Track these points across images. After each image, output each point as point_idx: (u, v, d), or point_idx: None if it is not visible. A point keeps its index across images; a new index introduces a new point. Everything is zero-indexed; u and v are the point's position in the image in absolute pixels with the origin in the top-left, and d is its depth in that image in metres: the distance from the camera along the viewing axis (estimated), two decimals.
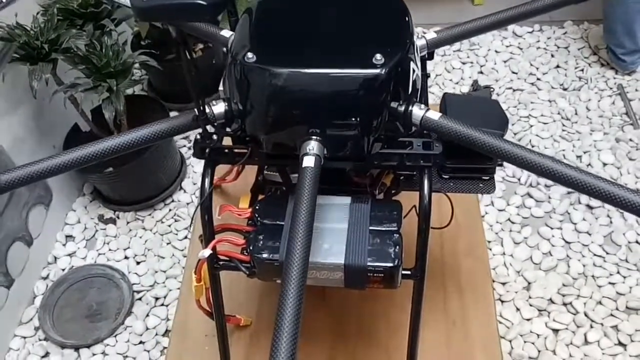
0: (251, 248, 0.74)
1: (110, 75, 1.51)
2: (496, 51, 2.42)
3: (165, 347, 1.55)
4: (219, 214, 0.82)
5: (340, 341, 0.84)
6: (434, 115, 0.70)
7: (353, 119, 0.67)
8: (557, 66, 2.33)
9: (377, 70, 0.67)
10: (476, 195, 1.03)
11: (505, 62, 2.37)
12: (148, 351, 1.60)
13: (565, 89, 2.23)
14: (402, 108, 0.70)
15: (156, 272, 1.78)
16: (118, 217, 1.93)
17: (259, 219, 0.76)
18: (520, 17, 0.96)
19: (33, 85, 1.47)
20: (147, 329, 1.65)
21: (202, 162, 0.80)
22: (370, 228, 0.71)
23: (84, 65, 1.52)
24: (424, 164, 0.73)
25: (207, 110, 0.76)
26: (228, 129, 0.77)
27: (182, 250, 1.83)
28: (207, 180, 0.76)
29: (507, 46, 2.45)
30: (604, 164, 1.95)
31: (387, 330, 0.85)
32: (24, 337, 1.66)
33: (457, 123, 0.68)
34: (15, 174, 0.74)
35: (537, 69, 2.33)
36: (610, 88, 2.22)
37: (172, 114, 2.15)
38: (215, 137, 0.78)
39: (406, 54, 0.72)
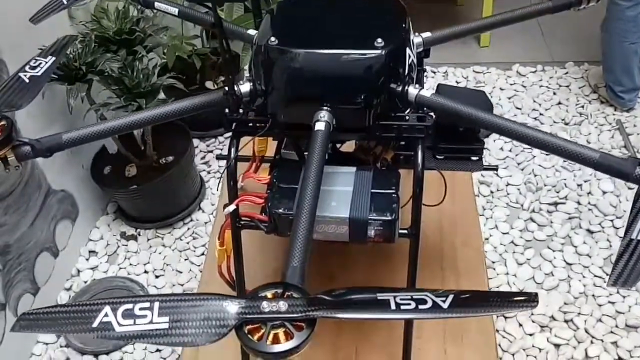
0: (269, 204, 0.84)
1: (140, 95, 1.64)
2: (501, 88, 2.55)
3: (179, 355, 1.63)
4: (242, 180, 0.92)
5: None
6: (427, 93, 0.81)
7: (358, 93, 0.79)
8: (559, 103, 2.45)
9: (378, 51, 0.80)
10: (473, 196, 1.13)
11: (509, 98, 2.50)
12: (164, 359, 1.67)
13: (566, 124, 2.34)
14: (400, 87, 0.83)
15: (174, 285, 1.87)
16: (139, 234, 2.03)
17: (276, 183, 0.86)
18: (501, 24, 1.08)
19: (70, 102, 1.60)
20: None
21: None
22: (372, 191, 0.82)
23: (117, 85, 1.65)
24: (418, 135, 0.84)
25: (235, 88, 0.87)
26: (252, 106, 0.88)
27: (199, 265, 1.91)
28: (233, 150, 0.86)
29: (511, 84, 2.57)
30: (604, 192, 2.04)
31: None
32: (46, 343, 1.73)
33: (446, 99, 0.80)
34: (74, 134, 0.85)
35: (540, 105, 2.44)
36: (610, 123, 2.32)
37: (195, 140, 2.28)
38: (241, 111, 0.89)
39: (403, 42, 0.85)
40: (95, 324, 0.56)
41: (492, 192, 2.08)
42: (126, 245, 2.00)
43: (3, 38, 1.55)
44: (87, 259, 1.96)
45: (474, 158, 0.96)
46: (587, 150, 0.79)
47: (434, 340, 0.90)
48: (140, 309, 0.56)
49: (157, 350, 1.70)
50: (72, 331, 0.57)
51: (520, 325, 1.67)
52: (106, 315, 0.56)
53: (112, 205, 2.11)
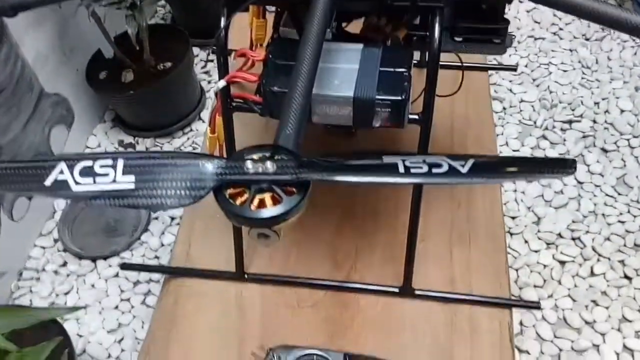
0: (264, 82, 0.77)
1: None
2: (519, 1, 2.40)
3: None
4: (234, 57, 0.85)
5: (348, 218, 0.87)
6: None
7: None
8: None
9: None
10: (489, 95, 1.04)
11: (528, 12, 2.36)
12: (163, 265, 1.65)
13: (587, 39, 2.22)
14: None
15: None
16: (137, 143, 1.97)
17: (272, 59, 0.78)
18: None
19: None
20: (162, 245, 1.70)
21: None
22: (381, 69, 0.73)
23: None
24: (436, 4, 0.74)
25: None
26: None
27: None
28: (222, 19, 0.77)
29: None
30: (622, 111, 1.95)
31: (395, 210, 0.88)
32: (44, 248, 1.71)
33: None
34: None
35: (560, 19, 2.31)
36: (633, 39, 2.19)
37: (195, 50, 2.18)
38: None
39: None
40: (48, 182, 0.48)
41: (504, 108, 1.99)
42: None
43: None
44: None
45: (496, 40, 0.86)
46: (634, 16, 0.68)
47: (439, 243, 0.84)
48: (102, 166, 0.49)
49: (156, 257, 1.68)
50: (22, 189, 0.49)
51: (526, 241, 1.64)
52: (61, 172, 0.49)
53: (110, 113, 2.04)
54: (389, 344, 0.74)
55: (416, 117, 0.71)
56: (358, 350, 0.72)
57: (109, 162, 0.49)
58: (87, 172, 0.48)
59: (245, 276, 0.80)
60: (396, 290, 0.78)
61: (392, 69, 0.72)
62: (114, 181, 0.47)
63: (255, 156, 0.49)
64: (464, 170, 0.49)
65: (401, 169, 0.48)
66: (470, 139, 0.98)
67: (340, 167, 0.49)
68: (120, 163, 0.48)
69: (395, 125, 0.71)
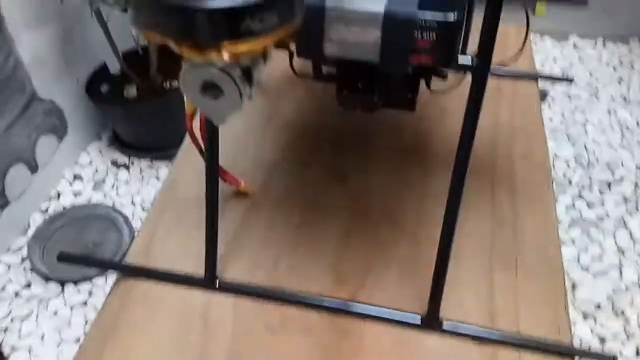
0: None
1: None
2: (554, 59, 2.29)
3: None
4: None
5: (359, 222, 0.68)
6: None
7: None
8: (620, 80, 2.17)
9: None
10: (539, 108, 0.87)
11: (562, 69, 2.23)
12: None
13: (626, 100, 2.07)
14: None
15: None
16: (132, 164, 1.80)
17: None
18: None
19: None
20: None
21: None
22: None
23: None
24: None
25: None
26: None
27: None
28: None
29: (565, 54, 2.31)
30: None
31: (418, 219, 0.68)
32: (9, 265, 1.52)
33: None
34: None
35: (597, 79, 2.17)
36: None
37: None
38: None
39: None
40: None
41: None
42: (116, 173, 1.77)
43: None
44: (70, 183, 1.74)
45: None
46: None
47: (475, 263, 0.63)
48: None
49: None
50: None
51: None
52: None
53: (107, 132, 1.89)
54: None
55: (469, 59, 0.50)
56: None
57: None
58: None
59: (217, 284, 0.60)
60: (417, 320, 0.58)
61: None
62: None
63: None
64: None
65: None
66: (517, 150, 0.80)
67: None
68: None
69: (439, 64, 0.49)
